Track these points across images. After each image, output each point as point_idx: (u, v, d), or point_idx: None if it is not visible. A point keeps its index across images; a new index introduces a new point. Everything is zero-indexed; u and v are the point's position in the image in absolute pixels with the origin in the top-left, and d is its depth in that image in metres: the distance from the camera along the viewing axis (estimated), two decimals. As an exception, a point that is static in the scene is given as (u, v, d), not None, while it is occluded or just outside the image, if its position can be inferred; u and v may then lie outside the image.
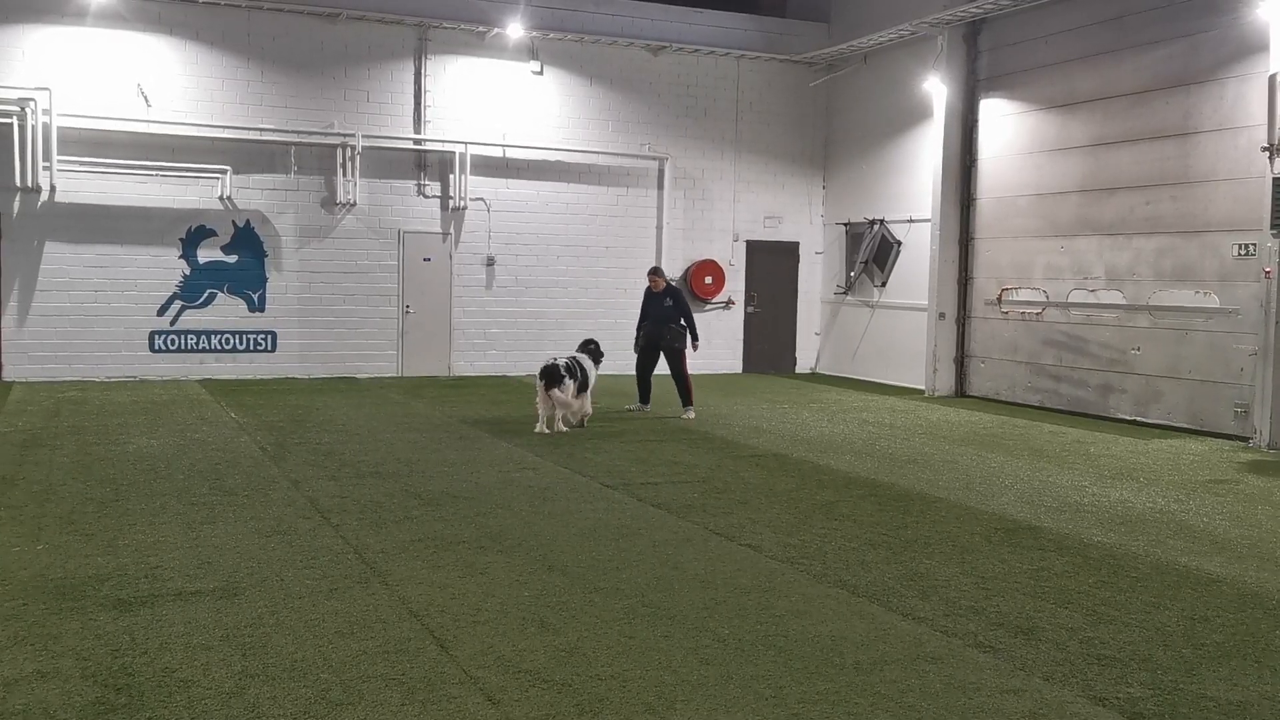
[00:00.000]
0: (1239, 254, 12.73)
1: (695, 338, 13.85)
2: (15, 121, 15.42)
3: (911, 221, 17.99)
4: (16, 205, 15.72)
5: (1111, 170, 14.47)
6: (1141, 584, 6.54)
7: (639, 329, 14.10)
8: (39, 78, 15.54)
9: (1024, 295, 15.88)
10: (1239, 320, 12.72)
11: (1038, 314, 15.64)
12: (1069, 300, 15.09)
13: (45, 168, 15.57)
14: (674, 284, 14.90)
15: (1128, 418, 14.10)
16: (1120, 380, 14.34)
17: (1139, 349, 14.06)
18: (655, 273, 14.18)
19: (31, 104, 15.40)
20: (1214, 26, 13.09)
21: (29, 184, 15.55)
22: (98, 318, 16.20)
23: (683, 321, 13.77)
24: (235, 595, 5.91)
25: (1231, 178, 12.86)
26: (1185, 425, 13.37)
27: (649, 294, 14.07)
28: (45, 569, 6.34)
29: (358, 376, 17.41)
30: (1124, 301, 14.29)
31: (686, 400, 13.70)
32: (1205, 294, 13.19)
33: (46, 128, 15.49)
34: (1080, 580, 6.59)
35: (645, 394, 14.07)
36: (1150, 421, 13.79)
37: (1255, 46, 12.48)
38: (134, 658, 4.96)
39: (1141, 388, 14.04)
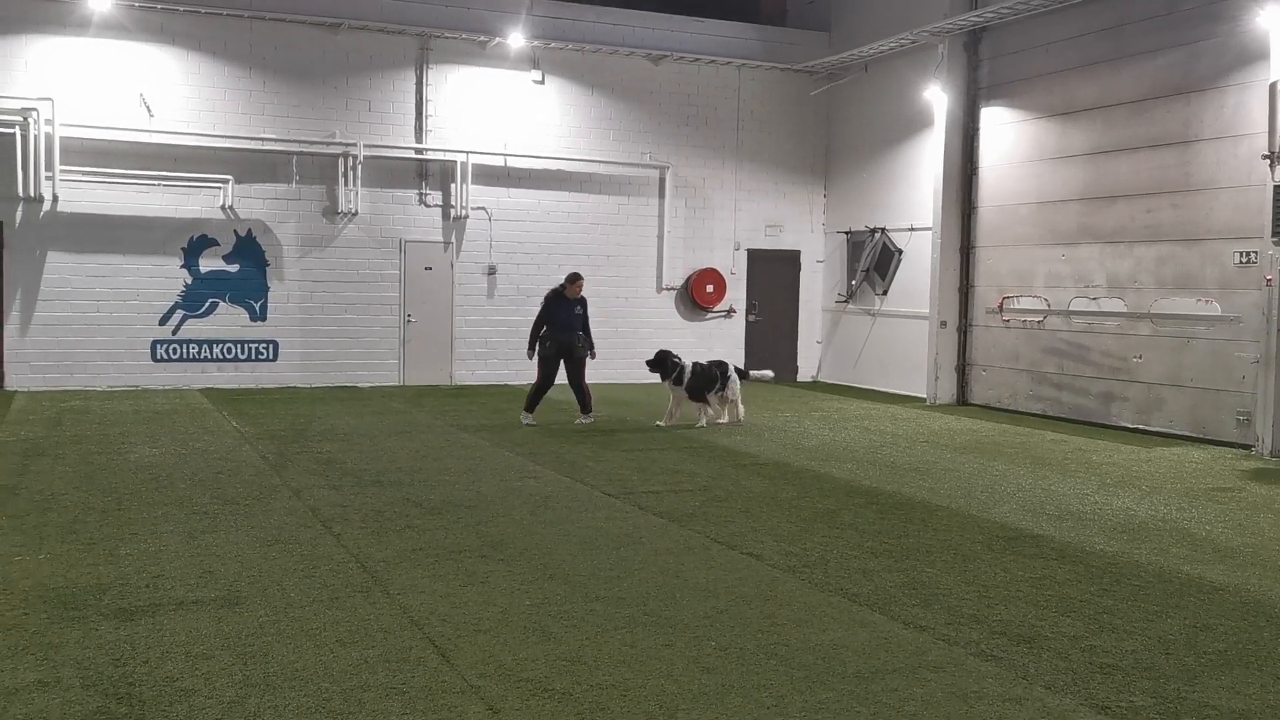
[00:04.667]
0: (1240, 262, 12.74)
1: (592, 346, 13.71)
2: (18, 131, 15.45)
3: (912, 230, 18.01)
4: (19, 215, 15.75)
5: (1112, 178, 14.47)
6: (1144, 592, 6.53)
7: (538, 334, 13.48)
8: (41, 88, 15.58)
9: (1025, 303, 15.88)
10: (1240, 328, 12.72)
11: (1039, 322, 15.64)
12: (1070, 308, 15.09)
13: (48, 178, 15.60)
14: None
15: (1130, 426, 14.09)
16: (1122, 388, 14.33)
17: (1140, 357, 14.06)
18: (576, 279, 13.68)
19: (34, 114, 15.44)
20: (1214, 35, 13.11)
21: (31, 194, 15.58)
22: (100, 327, 16.22)
23: (587, 331, 13.65)
24: (237, 604, 5.91)
25: (1232, 186, 12.87)
26: (1187, 433, 13.35)
27: (559, 299, 13.48)
28: (47, 578, 6.34)
29: (359, 385, 17.42)
30: (1125, 310, 14.29)
31: (586, 408, 13.61)
32: (1207, 302, 13.19)
33: (49, 138, 15.53)
34: (1082, 589, 6.58)
35: (583, 402, 13.69)
36: (1152, 429, 13.78)
37: (1255, 54, 12.49)
38: (135, 667, 4.96)
39: (1143, 396, 14.03)
